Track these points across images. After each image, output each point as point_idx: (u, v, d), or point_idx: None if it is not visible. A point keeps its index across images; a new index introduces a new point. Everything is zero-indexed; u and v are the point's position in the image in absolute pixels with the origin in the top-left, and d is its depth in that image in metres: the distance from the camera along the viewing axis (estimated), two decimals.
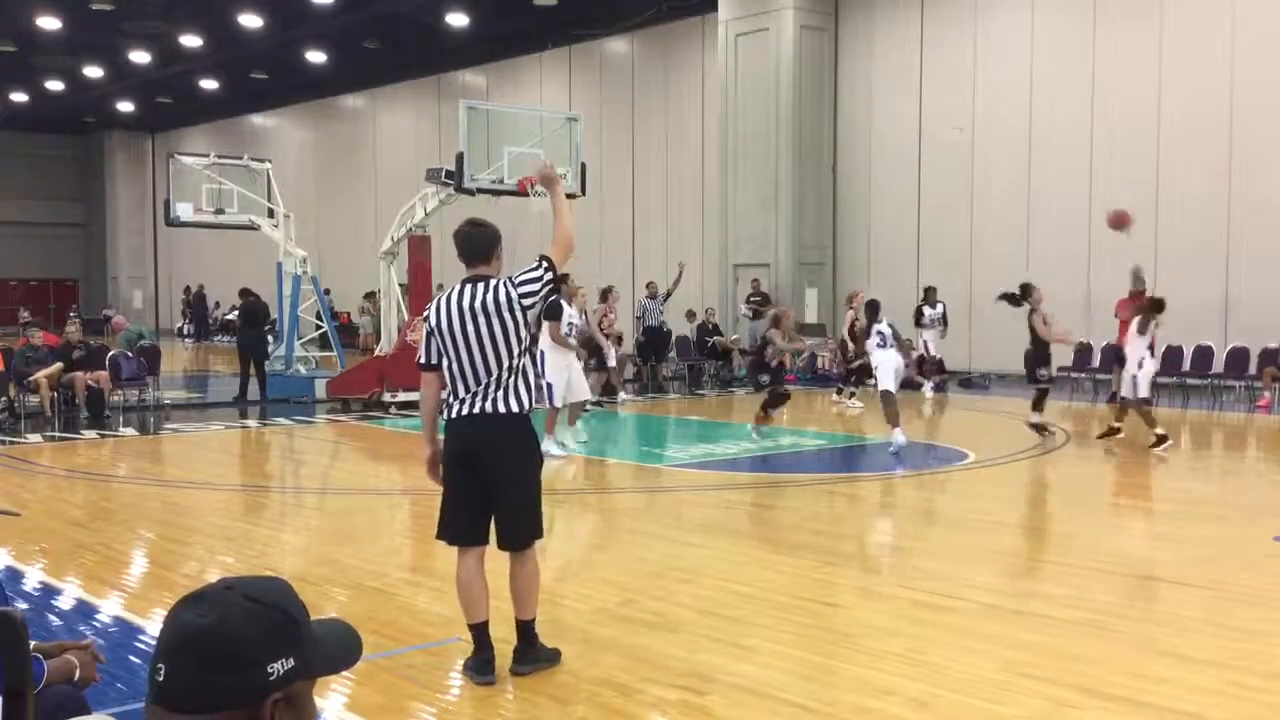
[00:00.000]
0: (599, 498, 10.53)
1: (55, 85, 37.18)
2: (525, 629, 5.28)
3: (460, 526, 5.17)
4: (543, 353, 11.96)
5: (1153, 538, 8.33)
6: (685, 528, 8.90)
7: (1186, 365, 18.28)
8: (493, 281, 5.18)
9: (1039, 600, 6.45)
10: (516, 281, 5.13)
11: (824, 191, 23.84)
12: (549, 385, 11.99)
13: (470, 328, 5.08)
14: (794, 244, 23.45)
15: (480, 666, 5.18)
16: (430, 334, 5.21)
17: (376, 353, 19.38)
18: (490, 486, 5.08)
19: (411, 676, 5.31)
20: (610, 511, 9.97)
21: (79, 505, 9.94)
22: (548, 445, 11.85)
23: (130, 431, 15.05)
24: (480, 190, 17.09)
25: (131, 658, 5.48)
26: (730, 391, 20.41)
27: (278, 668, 1.45)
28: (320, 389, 18.19)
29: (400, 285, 18.95)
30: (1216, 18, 18.42)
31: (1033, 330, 13.40)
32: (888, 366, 12.71)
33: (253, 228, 20.93)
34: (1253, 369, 17.47)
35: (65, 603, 6.82)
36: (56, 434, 14.64)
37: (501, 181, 17.00)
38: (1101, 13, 19.81)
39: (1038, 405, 13.44)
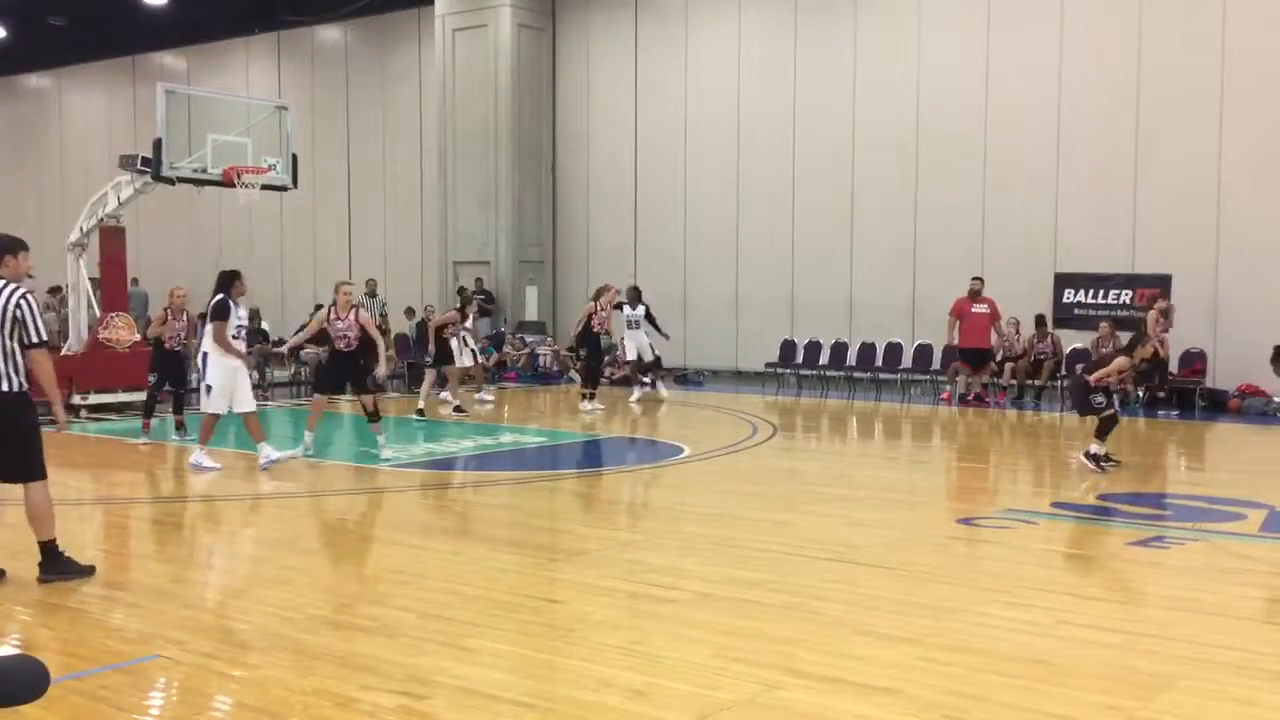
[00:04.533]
0: (314, 501, 10.17)
1: None
2: (46, 548, 6.86)
3: None
4: (205, 355, 11.25)
5: (849, 523, 8.84)
6: (405, 529, 8.73)
7: (879, 360, 19.59)
8: (2, 284, 6.70)
9: (748, 587, 6.72)
10: (20, 295, 6.71)
11: (544, 190, 24.00)
12: (208, 388, 11.20)
13: None
14: (514, 242, 23.50)
15: None
16: None
17: (64, 352, 17.96)
18: None
19: (105, 698, 4.93)
20: (325, 515, 9.65)
21: None
22: (199, 456, 11.23)
23: None
24: (181, 179, 16.17)
25: None
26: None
27: None
28: None
29: (91, 279, 17.66)
30: (904, 21, 19.73)
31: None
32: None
33: None
34: (936, 364, 18.90)
35: None
36: None
37: (205, 171, 16.14)
38: (802, 15, 20.86)
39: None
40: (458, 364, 16.82)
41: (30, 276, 7.53)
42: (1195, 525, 8.61)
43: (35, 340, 6.72)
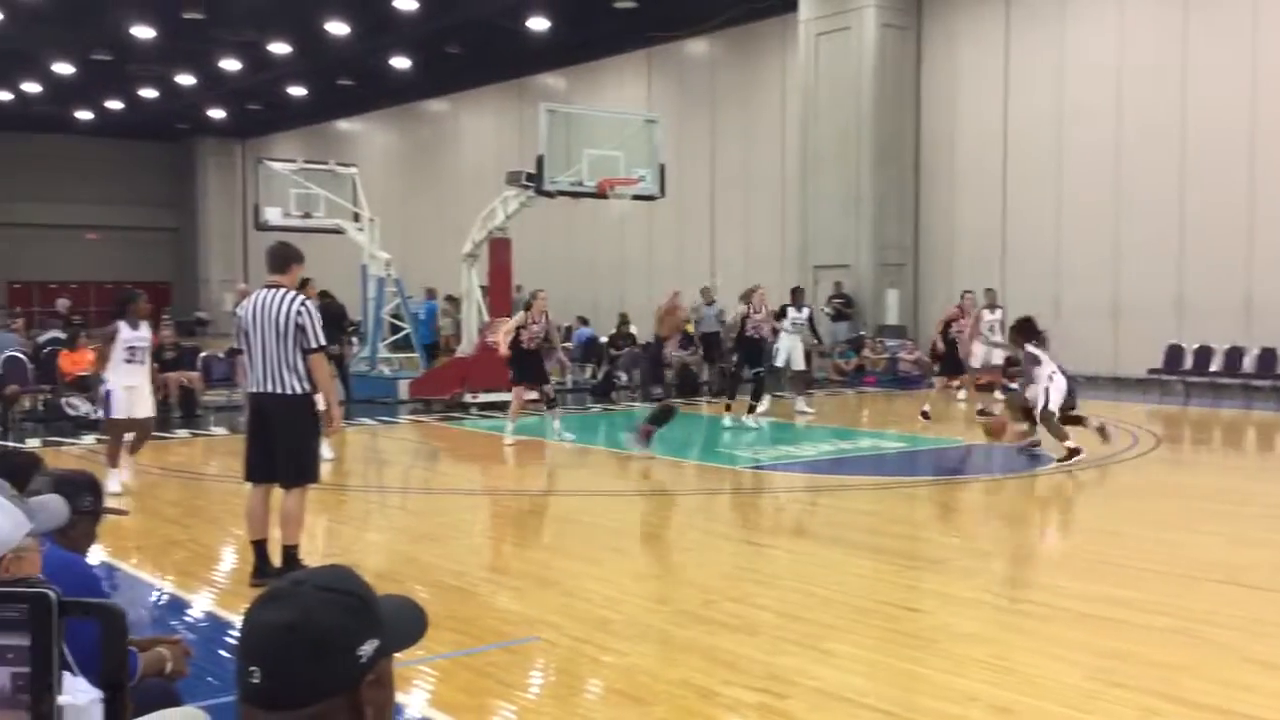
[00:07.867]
0: (677, 499, 10.54)
1: (149, 93, 38.16)
2: (286, 554, 6.93)
3: (252, 468, 7.03)
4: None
5: (1239, 543, 8.10)
6: (763, 530, 8.88)
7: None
8: (284, 292, 6.84)
9: (1126, 607, 6.32)
10: (300, 303, 6.80)
11: (906, 192, 23.58)
12: (107, 394, 10.65)
13: (264, 324, 6.73)
14: (875, 245, 23.23)
15: (256, 572, 6.93)
16: (238, 328, 7.00)
17: (458, 354, 19.60)
18: (274, 441, 6.85)
19: (491, 674, 5.37)
20: (688, 513, 9.97)
21: (172, 503, 10.21)
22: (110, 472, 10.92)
23: (221, 431, 15.38)
24: (560, 193, 17.19)
25: (221, 652, 5.61)
26: (808, 393, 20.25)
27: (366, 650, 1.51)
28: (403, 390, 18.44)
29: (481, 287, 19.14)
30: None
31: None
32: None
33: (338, 231, 21.27)
34: None
35: (157, 598, 7.01)
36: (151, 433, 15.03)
37: (581, 184, 17.08)
38: (1193, 4, 19.29)
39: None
40: (974, 365, 16.41)
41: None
42: None
43: (314, 345, 6.78)
